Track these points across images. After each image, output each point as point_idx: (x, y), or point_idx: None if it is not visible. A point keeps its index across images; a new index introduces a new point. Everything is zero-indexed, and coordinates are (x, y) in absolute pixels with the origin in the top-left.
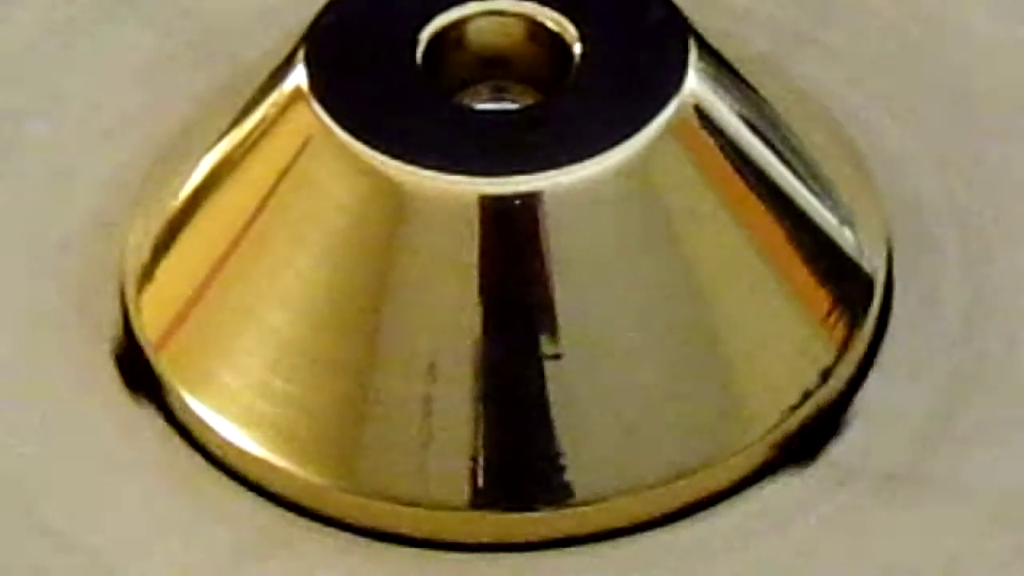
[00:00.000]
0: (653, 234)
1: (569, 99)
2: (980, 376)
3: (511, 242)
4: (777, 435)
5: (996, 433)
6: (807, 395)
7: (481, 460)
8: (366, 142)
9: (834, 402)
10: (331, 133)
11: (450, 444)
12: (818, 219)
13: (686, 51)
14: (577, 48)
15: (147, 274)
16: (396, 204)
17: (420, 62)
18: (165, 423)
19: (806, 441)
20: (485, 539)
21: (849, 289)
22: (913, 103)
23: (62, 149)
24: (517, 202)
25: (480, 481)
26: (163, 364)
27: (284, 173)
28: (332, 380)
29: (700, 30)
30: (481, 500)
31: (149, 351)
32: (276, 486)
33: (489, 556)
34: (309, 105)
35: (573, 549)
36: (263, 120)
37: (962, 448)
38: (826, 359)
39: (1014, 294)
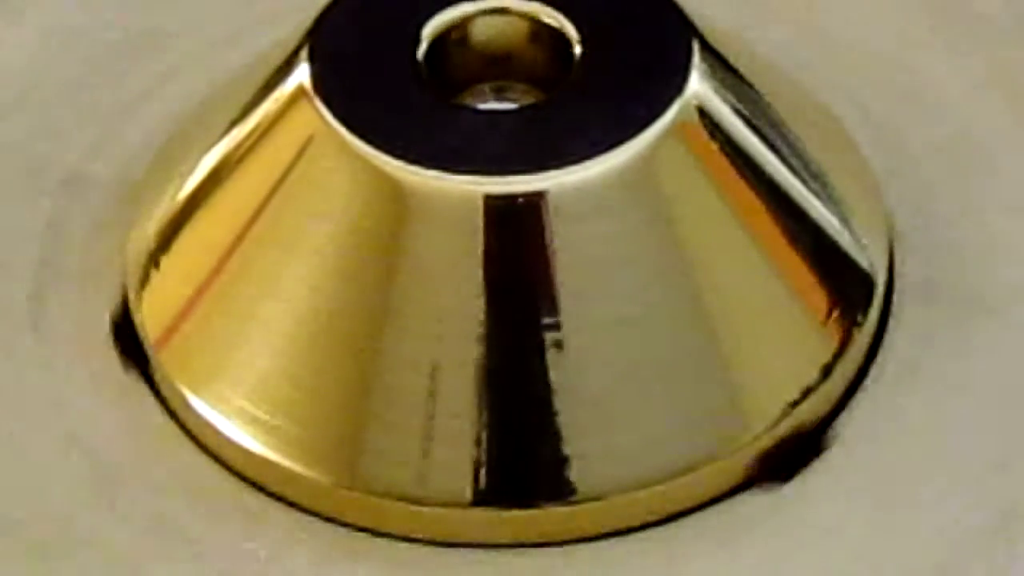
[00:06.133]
0: (655, 233)
1: (571, 99)
2: (978, 376)
3: (514, 241)
4: (777, 432)
5: (992, 436)
6: (807, 392)
7: (483, 458)
8: (369, 141)
9: (833, 400)
10: (334, 132)
11: (453, 443)
12: (819, 218)
13: (689, 51)
14: (579, 48)
15: (148, 273)
16: (399, 203)
17: (422, 61)
18: (166, 421)
19: (804, 439)
20: (487, 537)
21: (849, 287)
22: (914, 103)
23: (61, 148)
24: (520, 201)
25: (482, 479)
26: (164, 363)
27: (286, 172)
28: (334, 379)
29: (702, 30)
30: (483, 498)
31: (150, 350)
32: (277, 484)
33: (491, 553)
34: (312, 104)
35: (573, 547)
36: (265, 118)
37: (959, 451)
38: (826, 357)
39: (1014, 295)
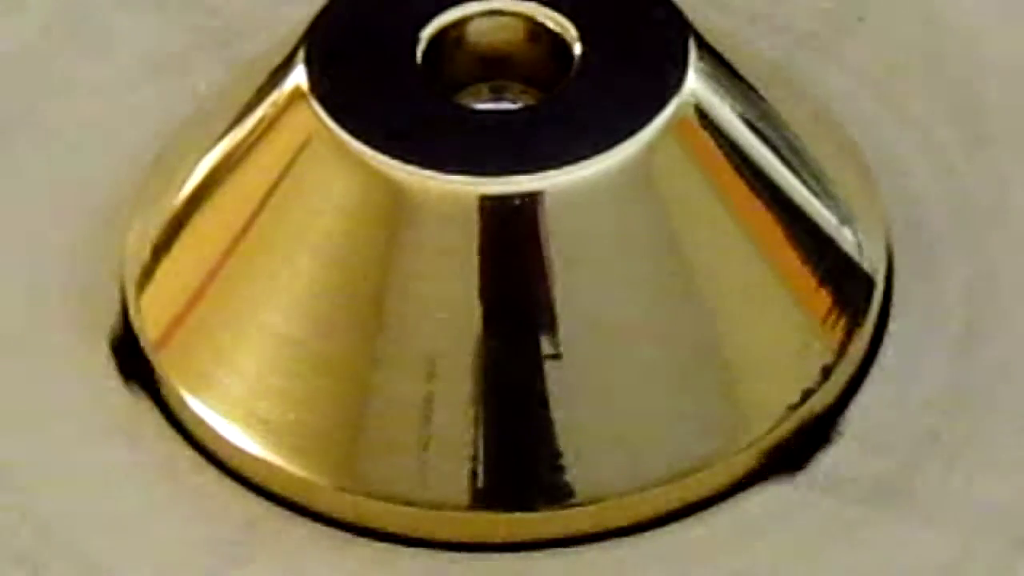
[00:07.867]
0: (653, 234)
1: (569, 99)
2: (979, 376)
3: (511, 242)
4: (777, 434)
5: (993, 436)
6: (807, 394)
7: (481, 460)
8: (366, 142)
9: (833, 401)
10: (331, 133)
11: (450, 444)
12: (818, 218)
13: (686, 50)
14: (577, 48)
15: (147, 274)
16: (396, 204)
17: (420, 62)
18: (164, 422)
19: (805, 440)
20: (485, 539)
21: (849, 288)
22: (914, 103)
23: (62, 148)
24: (517, 202)
25: (480, 481)
26: (163, 363)
27: (284, 173)
28: (332, 380)
29: (700, 30)
30: (481, 500)
31: (149, 350)
32: (276, 485)
33: (489, 556)
34: (309, 105)
35: (573, 549)
36: (263, 120)
37: (960, 451)
38: (826, 358)
39: (1014, 295)
